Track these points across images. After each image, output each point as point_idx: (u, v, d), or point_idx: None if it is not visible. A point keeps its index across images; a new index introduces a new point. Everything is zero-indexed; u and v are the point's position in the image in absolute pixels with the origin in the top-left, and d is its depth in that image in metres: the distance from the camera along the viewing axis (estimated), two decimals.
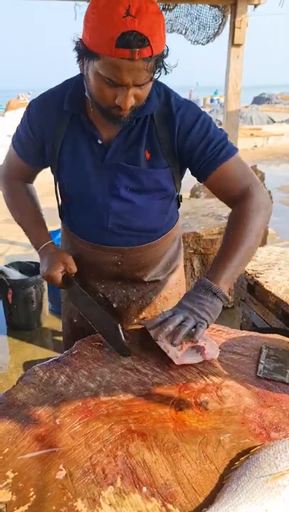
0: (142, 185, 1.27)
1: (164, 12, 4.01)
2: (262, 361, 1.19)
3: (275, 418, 0.97)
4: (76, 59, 1.10)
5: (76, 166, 1.27)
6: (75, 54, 1.09)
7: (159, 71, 1.08)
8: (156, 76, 1.09)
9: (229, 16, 4.06)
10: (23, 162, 1.37)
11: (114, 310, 1.46)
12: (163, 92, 1.23)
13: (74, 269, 1.36)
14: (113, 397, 1.04)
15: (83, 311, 1.35)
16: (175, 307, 1.17)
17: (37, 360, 2.78)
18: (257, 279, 1.93)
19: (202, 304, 1.13)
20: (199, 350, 1.16)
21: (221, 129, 1.27)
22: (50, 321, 3.38)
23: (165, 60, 1.07)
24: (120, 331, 1.21)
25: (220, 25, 4.21)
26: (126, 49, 0.97)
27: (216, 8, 4.14)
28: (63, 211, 1.46)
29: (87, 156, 1.25)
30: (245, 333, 1.36)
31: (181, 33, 4.45)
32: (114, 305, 1.46)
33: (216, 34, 4.29)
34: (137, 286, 1.45)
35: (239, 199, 1.23)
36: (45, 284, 3.31)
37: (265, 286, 1.84)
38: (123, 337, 1.21)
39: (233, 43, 4.04)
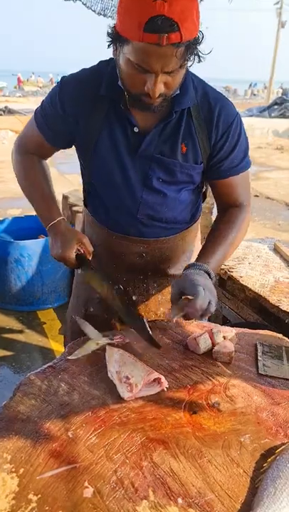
0: (175, 178, 1.26)
1: None
2: (259, 358, 1.20)
3: (287, 415, 0.99)
4: (108, 45, 1.07)
5: (110, 153, 1.23)
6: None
7: (192, 59, 1.04)
8: (188, 64, 1.05)
9: None
10: (43, 138, 1.31)
11: (133, 303, 1.44)
12: (200, 85, 1.21)
13: (90, 248, 1.29)
14: (123, 404, 1.00)
15: (102, 292, 1.29)
16: (192, 283, 1.11)
17: None
18: (230, 273, 1.96)
19: (207, 284, 1.13)
20: (156, 381, 1.05)
21: (246, 136, 1.28)
22: None
23: (199, 47, 1.03)
24: (146, 323, 1.16)
25: None
26: (154, 34, 0.93)
27: None
28: (89, 200, 1.42)
29: (122, 144, 1.21)
30: (236, 329, 1.37)
31: None
32: (134, 298, 1.44)
33: None
34: (157, 280, 1.44)
35: (233, 208, 1.33)
36: None
37: (240, 281, 1.88)
38: (149, 328, 1.15)
39: None
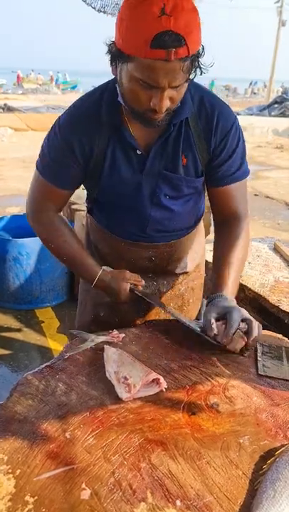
0: (181, 192, 1.27)
1: None
2: (259, 358, 1.19)
3: (287, 416, 0.98)
4: (109, 62, 1.05)
5: (116, 177, 1.22)
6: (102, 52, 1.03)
7: (194, 71, 1.02)
8: (191, 76, 1.04)
9: None
10: (57, 188, 1.26)
11: (146, 302, 1.44)
12: (196, 92, 1.19)
13: (141, 281, 1.37)
14: (121, 405, 0.99)
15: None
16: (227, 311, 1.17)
17: None
18: None
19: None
20: (154, 381, 1.05)
21: (244, 142, 1.27)
22: None
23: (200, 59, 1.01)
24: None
25: None
26: (161, 50, 0.92)
27: None
28: (95, 211, 1.41)
29: (126, 167, 1.21)
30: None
31: None
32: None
33: None
34: (167, 278, 1.46)
35: (231, 220, 1.31)
36: None
37: (240, 281, 1.87)
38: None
39: None
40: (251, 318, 1.16)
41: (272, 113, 17.78)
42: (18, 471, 0.81)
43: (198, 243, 1.52)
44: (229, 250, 1.27)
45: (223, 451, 0.87)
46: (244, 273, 1.94)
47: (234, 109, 1.31)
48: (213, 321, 1.15)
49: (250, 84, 42.06)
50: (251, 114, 17.44)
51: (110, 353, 1.13)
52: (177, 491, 0.78)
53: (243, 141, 1.26)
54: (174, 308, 1.50)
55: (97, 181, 1.25)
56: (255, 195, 6.81)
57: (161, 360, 1.16)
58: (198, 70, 1.02)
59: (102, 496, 0.77)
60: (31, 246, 3.07)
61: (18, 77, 35.11)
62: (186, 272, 1.49)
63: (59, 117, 1.22)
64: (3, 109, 14.79)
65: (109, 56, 1.03)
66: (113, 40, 1.01)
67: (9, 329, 2.99)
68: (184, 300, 1.52)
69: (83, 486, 0.78)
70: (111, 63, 1.05)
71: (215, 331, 1.14)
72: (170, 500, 0.76)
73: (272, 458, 0.84)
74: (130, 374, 1.03)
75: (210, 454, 0.86)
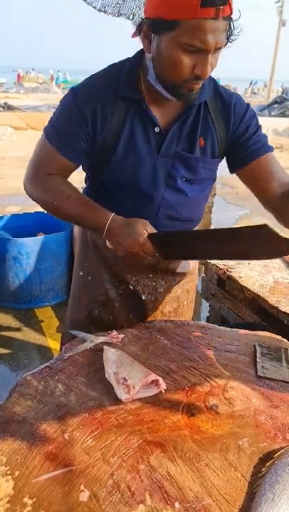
0: (198, 175, 1.24)
1: None
2: (258, 360, 1.19)
3: (286, 419, 0.98)
4: (141, 40, 1.06)
5: (131, 155, 1.18)
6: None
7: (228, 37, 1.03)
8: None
9: None
10: (66, 159, 1.19)
11: (142, 302, 1.43)
12: (210, 80, 1.20)
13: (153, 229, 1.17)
14: (120, 406, 0.99)
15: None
16: None
17: None
18: (230, 273, 1.95)
19: None
20: (153, 382, 1.04)
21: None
22: None
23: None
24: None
25: None
26: (211, 8, 0.93)
27: None
28: (100, 198, 1.26)
29: (143, 145, 1.18)
30: (234, 330, 1.36)
31: (128, 18, 4.32)
32: (143, 297, 1.43)
33: None
34: (165, 277, 1.43)
35: (283, 185, 1.20)
36: None
37: (240, 282, 1.87)
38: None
39: None
40: None
41: (272, 113, 17.76)
42: (16, 473, 0.81)
43: None
44: None
45: (222, 453, 0.87)
46: (243, 274, 1.94)
47: None
48: None
49: (250, 84, 42.02)
50: None
51: (109, 354, 1.13)
52: (176, 493, 0.78)
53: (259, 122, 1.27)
54: (170, 310, 1.48)
55: (108, 160, 1.18)
56: None
57: (161, 361, 1.16)
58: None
59: (101, 498, 0.76)
60: (31, 245, 3.07)
61: (18, 75, 35.06)
62: (184, 273, 1.47)
63: (73, 86, 1.19)
64: (3, 107, 14.75)
65: (141, 34, 1.04)
66: (142, 17, 1.03)
67: (9, 328, 2.98)
68: (180, 302, 1.51)
69: (82, 487, 0.78)
70: (143, 40, 1.06)
71: None
72: (169, 502, 0.76)
73: (272, 460, 0.84)
74: (129, 375, 1.03)
75: (209, 456, 0.86)
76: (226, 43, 1.03)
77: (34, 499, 0.76)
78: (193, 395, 1.04)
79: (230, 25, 1.01)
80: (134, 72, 1.15)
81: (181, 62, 1.02)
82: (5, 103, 15.13)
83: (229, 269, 1.99)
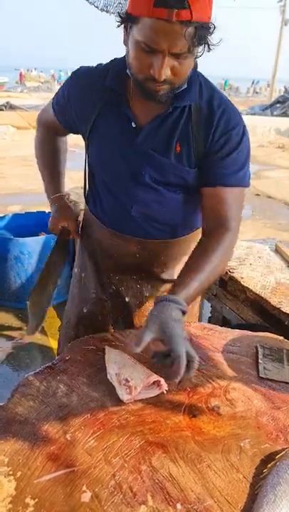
0: (167, 179, 1.20)
1: None
2: (260, 361, 1.19)
3: (287, 420, 0.98)
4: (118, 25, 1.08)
5: (105, 144, 1.23)
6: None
7: (200, 45, 1.00)
8: (199, 53, 1.03)
9: None
10: (57, 121, 1.38)
11: (125, 304, 1.41)
12: (208, 90, 1.17)
13: (73, 226, 1.48)
14: (122, 407, 0.99)
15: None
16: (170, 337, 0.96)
17: None
18: (232, 274, 1.95)
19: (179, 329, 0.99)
20: (155, 383, 1.03)
21: (248, 150, 1.20)
22: None
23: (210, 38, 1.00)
24: None
25: None
26: (163, 8, 0.92)
27: None
28: (89, 193, 1.43)
29: (118, 137, 1.20)
30: (236, 331, 1.36)
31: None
32: (127, 299, 1.41)
33: None
34: (152, 282, 1.40)
35: (219, 228, 1.18)
36: None
37: (241, 282, 1.87)
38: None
39: None
40: (193, 353, 0.96)
41: (275, 112, 17.76)
42: (18, 473, 0.81)
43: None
44: (205, 256, 1.13)
45: (223, 455, 0.87)
46: (245, 274, 1.94)
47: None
48: (147, 341, 0.98)
49: (253, 83, 42.00)
50: (253, 114, 17.41)
51: (111, 355, 1.13)
52: (178, 494, 0.78)
53: (248, 150, 1.19)
54: None
55: (89, 143, 1.28)
56: (257, 194, 6.79)
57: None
58: (205, 47, 1.02)
59: (103, 499, 0.77)
60: (33, 245, 3.07)
61: (20, 75, 35.10)
62: (171, 281, 1.37)
63: (78, 68, 1.32)
64: (5, 107, 14.78)
65: (122, 25, 1.05)
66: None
67: (10, 328, 2.99)
68: None
69: (84, 488, 0.79)
70: (124, 32, 1.07)
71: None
72: (170, 503, 0.76)
73: (273, 462, 0.84)
74: (131, 376, 1.03)
75: (210, 457, 0.86)
76: (195, 50, 1.00)
77: (36, 500, 0.76)
78: (195, 396, 1.04)
79: (196, 33, 0.96)
80: (125, 66, 1.14)
81: (139, 59, 1.03)
82: (7, 102, 15.14)
83: (231, 270, 1.99)
